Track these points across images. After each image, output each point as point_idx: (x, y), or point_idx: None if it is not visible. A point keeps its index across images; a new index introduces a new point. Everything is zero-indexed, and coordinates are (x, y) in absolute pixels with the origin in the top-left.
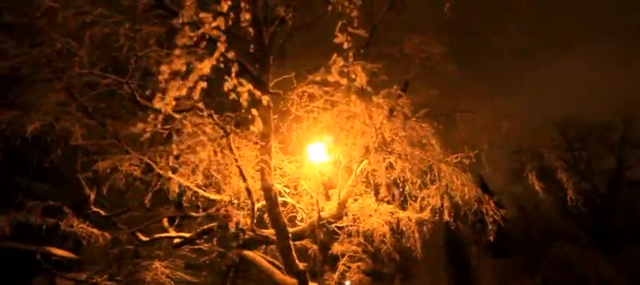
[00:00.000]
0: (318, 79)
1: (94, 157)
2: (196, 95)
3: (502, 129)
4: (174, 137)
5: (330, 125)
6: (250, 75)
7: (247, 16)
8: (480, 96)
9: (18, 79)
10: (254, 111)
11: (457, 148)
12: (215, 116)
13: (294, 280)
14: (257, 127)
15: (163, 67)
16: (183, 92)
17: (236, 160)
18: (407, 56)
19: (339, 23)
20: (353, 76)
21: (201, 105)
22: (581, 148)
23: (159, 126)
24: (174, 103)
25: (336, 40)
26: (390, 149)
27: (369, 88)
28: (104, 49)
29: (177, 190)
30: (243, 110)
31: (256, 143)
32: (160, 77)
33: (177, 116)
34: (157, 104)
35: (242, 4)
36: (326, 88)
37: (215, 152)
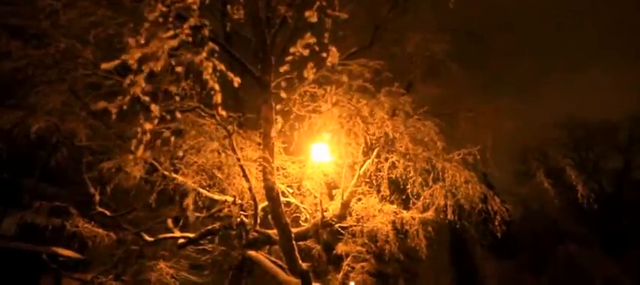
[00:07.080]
0: (289, 59)
1: (99, 157)
2: (158, 67)
3: (506, 128)
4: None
5: (332, 124)
6: (253, 76)
7: (241, 12)
8: (483, 95)
9: (22, 80)
10: (216, 85)
11: (461, 147)
12: (217, 116)
13: (298, 281)
14: (216, 98)
15: (130, 41)
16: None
17: (239, 160)
18: (410, 54)
19: (317, 4)
20: (324, 55)
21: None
22: (587, 147)
23: (124, 107)
24: (143, 84)
25: (307, 14)
26: (393, 148)
27: (365, 86)
28: (108, 50)
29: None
30: (211, 92)
31: (259, 144)
32: (128, 56)
33: (145, 98)
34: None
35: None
36: (327, 87)
37: (218, 152)
